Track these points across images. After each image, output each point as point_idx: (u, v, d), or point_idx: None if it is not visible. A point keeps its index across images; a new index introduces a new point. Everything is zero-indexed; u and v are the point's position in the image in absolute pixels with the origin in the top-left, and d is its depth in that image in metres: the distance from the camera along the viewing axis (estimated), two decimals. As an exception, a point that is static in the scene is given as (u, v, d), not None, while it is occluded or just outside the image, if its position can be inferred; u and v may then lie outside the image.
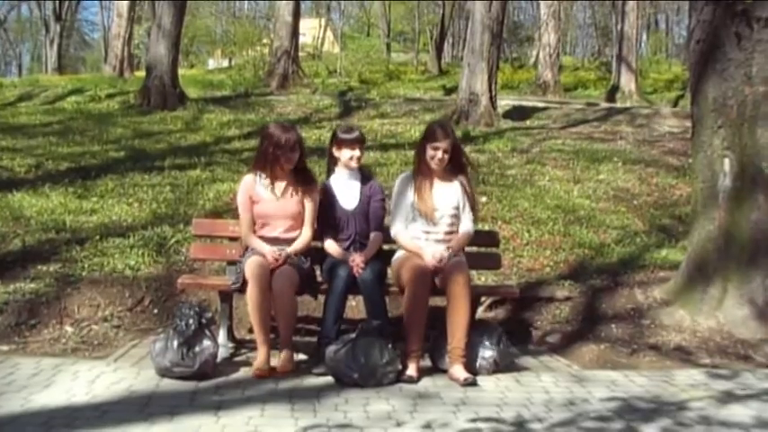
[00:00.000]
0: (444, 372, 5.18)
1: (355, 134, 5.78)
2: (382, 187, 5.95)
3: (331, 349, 4.99)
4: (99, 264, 6.89)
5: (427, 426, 4.12)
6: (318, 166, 7.56)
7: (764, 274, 6.28)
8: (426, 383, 4.97)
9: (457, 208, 5.61)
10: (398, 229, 5.64)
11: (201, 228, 6.31)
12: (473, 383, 4.99)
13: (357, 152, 5.72)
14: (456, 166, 5.67)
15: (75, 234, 7.52)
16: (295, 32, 25.30)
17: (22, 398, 4.35)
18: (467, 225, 5.68)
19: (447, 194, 5.61)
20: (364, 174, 5.93)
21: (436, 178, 5.61)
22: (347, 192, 5.77)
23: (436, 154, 5.51)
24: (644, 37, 46.38)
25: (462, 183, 5.67)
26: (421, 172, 5.62)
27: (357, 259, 5.43)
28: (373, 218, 5.77)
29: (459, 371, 5.07)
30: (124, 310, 6.38)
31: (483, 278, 7.10)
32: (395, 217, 5.67)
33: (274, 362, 5.17)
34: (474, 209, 5.76)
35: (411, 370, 5.09)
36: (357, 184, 5.79)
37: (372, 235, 5.73)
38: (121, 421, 4.02)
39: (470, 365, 5.20)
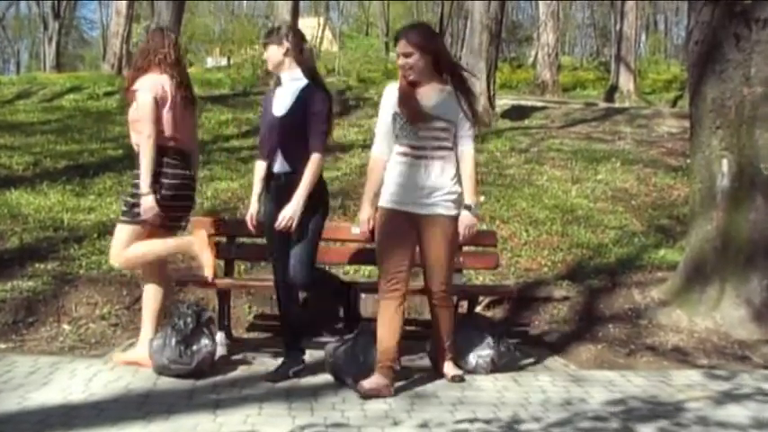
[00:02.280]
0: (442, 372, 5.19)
1: (266, 32, 5.22)
2: (327, 96, 4.99)
3: (330, 347, 4.99)
4: (97, 262, 6.89)
5: (424, 425, 4.12)
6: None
7: (762, 275, 6.29)
8: (424, 383, 4.96)
9: (449, 121, 4.79)
10: (376, 151, 4.92)
11: (200, 226, 6.29)
12: (461, 380, 5.00)
13: (266, 52, 5.06)
14: (446, 72, 4.90)
15: (72, 232, 7.52)
16: (294, 31, 25.28)
17: (18, 396, 4.35)
18: (465, 144, 4.88)
19: (434, 99, 4.81)
20: (314, 80, 5.01)
21: (420, 87, 4.82)
22: (282, 99, 4.99)
23: (400, 62, 4.81)
24: (643, 37, 46.37)
25: (454, 88, 4.87)
26: (404, 82, 4.86)
27: (283, 221, 4.80)
28: (310, 132, 4.87)
29: (448, 367, 5.09)
30: (122, 309, 6.38)
31: (481, 278, 7.10)
32: (376, 134, 4.94)
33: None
34: (473, 115, 4.89)
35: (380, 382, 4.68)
36: (295, 92, 4.94)
37: (311, 157, 4.86)
38: (119, 419, 4.01)
39: (467, 365, 5.21)
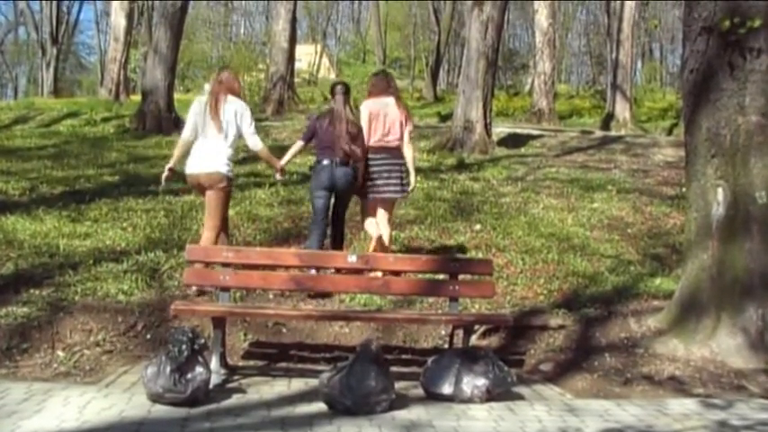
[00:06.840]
0: (437, 400, 5.16)
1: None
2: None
3: (324, 376, 4.97)
4: (92, 288, 6.87)
5: (420, 455, 4.10)
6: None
7: (758, 304, 6.28)
8: (419, 412, 4.94)
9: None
10: None
11: (195, 253, 6.29)
12: None
13: None
14: None
15: (68, 258, 7.50)
16: (291, 58, 25.40)
17: (12, 423, 4.32)
18: None
19: None
20: None
21: None
22: None
23: None
24: (638, 65, 46.68)
25: None
26: None
27: None
28: None
29: None
30: (116, 336, 6.35)
31: (477, 306, 7.09)
32: None
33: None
34: None
35: None
36: None
37: None
38: (112, 448, 3.99)
39: (462, 393, 5.18)
